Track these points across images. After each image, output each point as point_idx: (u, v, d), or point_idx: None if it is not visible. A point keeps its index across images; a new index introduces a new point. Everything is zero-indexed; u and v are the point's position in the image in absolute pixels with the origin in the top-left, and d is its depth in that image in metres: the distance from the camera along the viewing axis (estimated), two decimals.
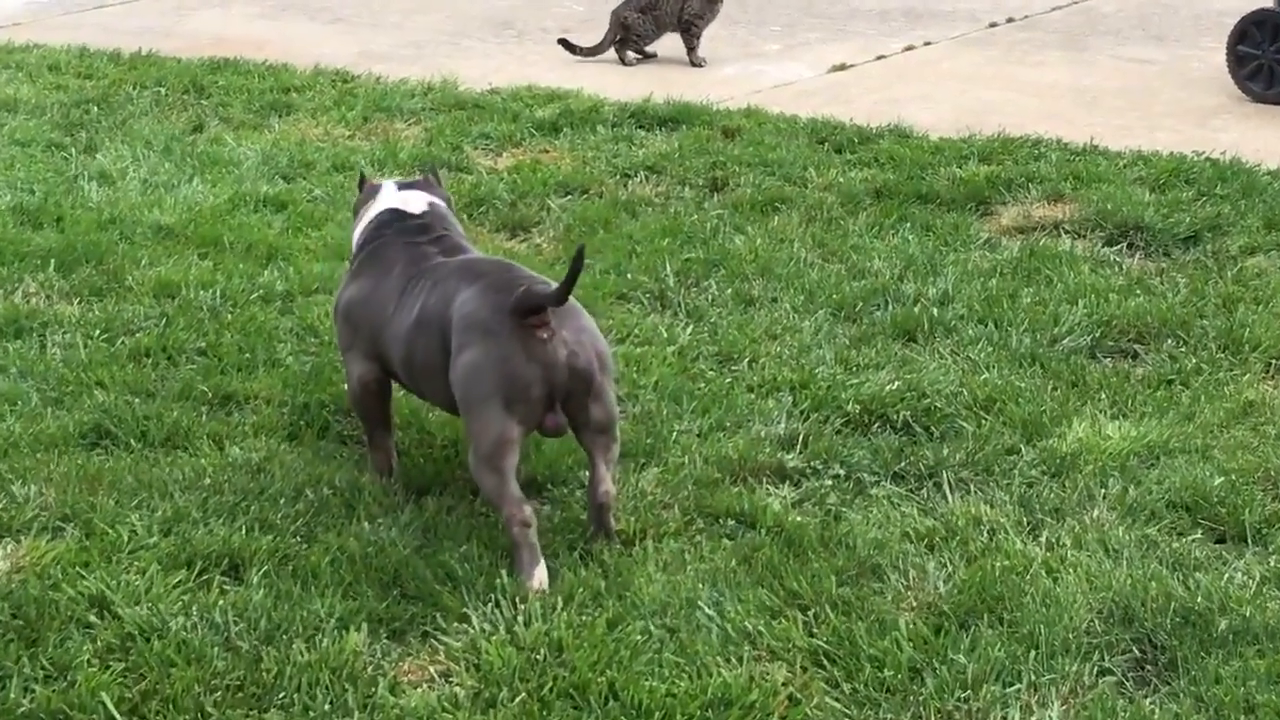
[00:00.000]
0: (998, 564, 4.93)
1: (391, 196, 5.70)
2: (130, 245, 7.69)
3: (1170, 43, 11.72)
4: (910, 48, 11.68)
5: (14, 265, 7.40)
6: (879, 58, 11.47)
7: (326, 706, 4.33)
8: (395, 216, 5.62)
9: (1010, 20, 12.39)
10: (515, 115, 9.91)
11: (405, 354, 5.29)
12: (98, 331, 6.66)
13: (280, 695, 4.37)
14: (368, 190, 5.82)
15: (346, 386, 5.67)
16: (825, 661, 4.51)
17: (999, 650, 4.51)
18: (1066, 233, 7.90)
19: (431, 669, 4.53)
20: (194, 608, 4.71)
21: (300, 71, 11.16)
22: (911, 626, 4.63)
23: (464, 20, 13.06)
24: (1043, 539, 5.12)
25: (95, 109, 10.23)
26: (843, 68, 11.24)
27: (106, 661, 4.48)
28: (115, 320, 6.78)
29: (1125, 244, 7.74)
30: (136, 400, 6.03)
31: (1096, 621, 4.67)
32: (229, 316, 6.82)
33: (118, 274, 7.31)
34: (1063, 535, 5.13)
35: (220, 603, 4.74)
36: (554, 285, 5.05)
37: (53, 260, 7.41)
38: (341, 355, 5.68)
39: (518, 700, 4.34)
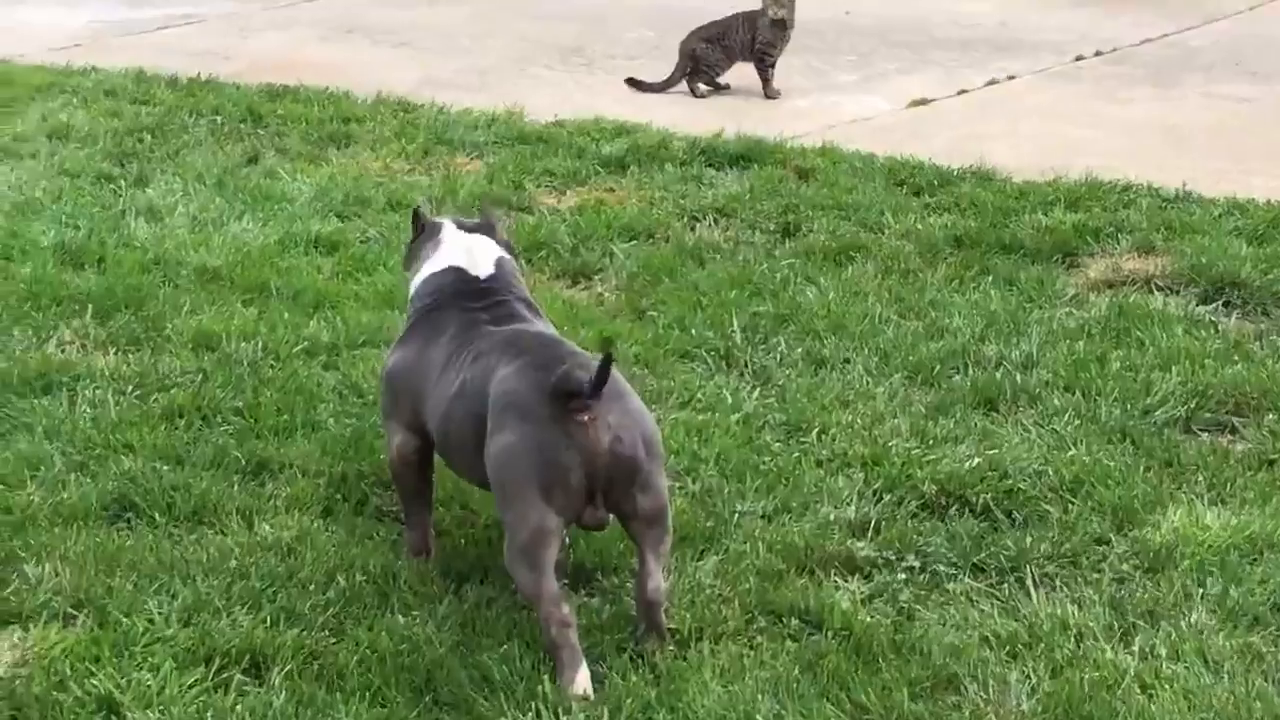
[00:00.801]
0: (1086, 676, 4.51)
1: (456, 250, 5.32)
2: (173, 290, 7.34)
3: (1265, 79, 11.24)
4: (993, 81, 11.24)
5: (51, 310, 7.06)
6: (960, 92, 11.04)
7: None
8: (458, 278, 5.25)
9: (1098, 54, 11.93)
10: (581, 151, 9.52)
11: (442, 428, 4.93)
12: (130, 387, 6.31)
13: None
14: (428, 231, 5.44)
15: (386, 457, 5.29)
16: None
17: None
18: (1158, 288, 7.45)
19: None
20: (209, 713, 4.34)
21: (361, 100, 10.80)
22: None
23: (532, 46, 12.68)
24: (1135, 647, 4.69)
25: (149, 137, 9.89)
26: (922, 102, 10.81)
27: None
28: (150, 375, 6.42)
29: (1221, 302, 7.29)
30: (165, 468, 5.67)
31: None
32: (269, 372, 6.45)
33: (157, 322, 6.95)
34: (1157, 643, 4.70)
35: (238, 707, 4.37)
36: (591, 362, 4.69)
37: (90, 305, 7.06)
38: (382, 423, 5.33)
39: None
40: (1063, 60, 11.79)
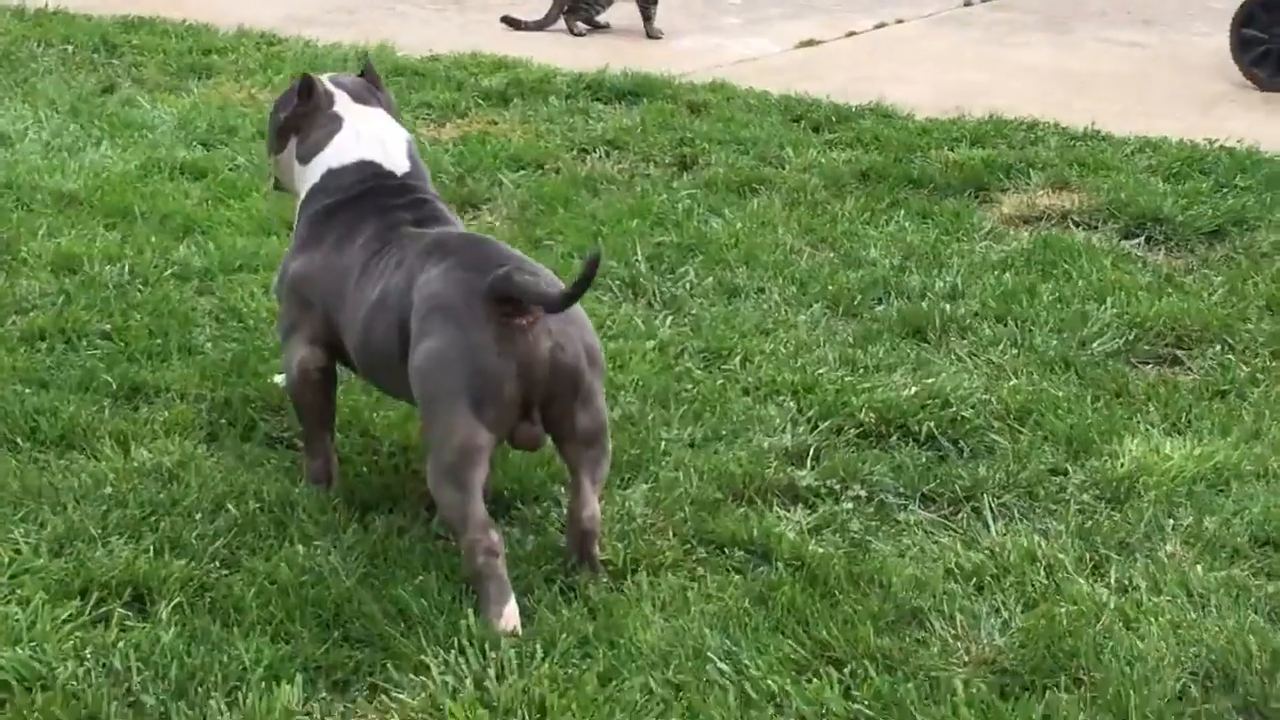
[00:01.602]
0: (1063, 610, 4.09)
1: (365, 139, 4.71)
2: (28, 214, 6.75)
3: (1160, 26, 10.94)
4: (882, 25, 10.87)
5: None
6: (849, 34, 10.65)
7: None
8: (372, 174, 4.67)
9: (985, 0, 11.59)
10: (459, 84, 9.01)
11: (362, 340, 4.39)
12: None
13: None
14: (316, 104, 4.79)
15: (283, 375, 4.76)
16: None
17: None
18: (1077, 224, 7.08)
19: None
20: (88, 650, 3.81)
21: (222, 33, 10.20)
22: (970, 689, 3.78)
23: None
24: (1111, 579, 4.28)
25: None
26: (811, 43, 10.41)
27: None
28: (6, 297, 5.86)
29: (1144, 237, 6.93)
30: (27, 391, 5.11)
31: (1192, 686, 3.83)
32: (138, 295, 5.90)
33: (11, 245, 6.37)
34: (1134, 575, 4.29)
35: (121, 644, 3.84)
36: (545, 276, 4.20)
37: None
38: (281, 338, 4.75)
39: None
40: (951, 5, 11.43)
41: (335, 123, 4.74)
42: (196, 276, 6.13)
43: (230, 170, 7.46)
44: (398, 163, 4.70)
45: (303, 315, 4.60)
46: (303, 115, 4.77)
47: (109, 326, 5.61)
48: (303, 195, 4.74)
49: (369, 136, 4.71)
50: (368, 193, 4.61)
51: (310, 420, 4.64)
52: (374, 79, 4.95)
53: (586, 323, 4.25)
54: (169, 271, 6.13)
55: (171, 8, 10.75)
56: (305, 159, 4.75)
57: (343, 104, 4.78)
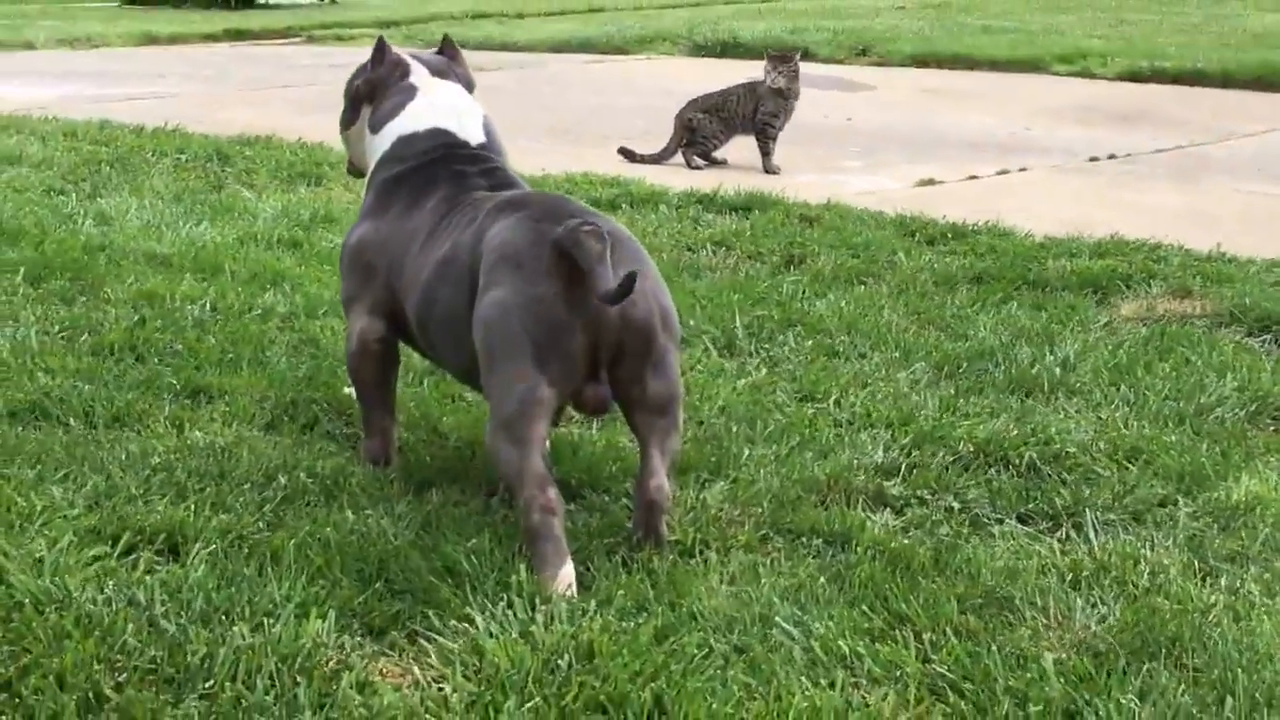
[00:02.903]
0: (1166, 604, 3.75)
1: (439, 109, 4.56)
2: (116, 268, 6.60)
3: None
4: (1004, 171, 10.62)
5: None
6: (970, 178, 10.41)
7: (267, 699, 3.16)
8: (445, 142, 4.51)
9: (1112, 156, 11.33)
10: (567, 193, 8.84)
11: (426, 299, 4.17)
12: (56, 328, 5.57)
13: (206, 683, 3.20)
14: (391, 72, 4.65)
15: (346, 348, 4.53)
16: (949, 692, 3.33)
17: (1183, 695, 3.32)
18: (1199, 326, 6.75)
19: (417, 671, 3.36)
20: (110, 582, 3.56)
21: (338, 151, 10.12)
22: (1062, 662, 3.45)
23: (521, 127, 12.04)
24: (1222, 584, 3.94)
25: (108, 168, 9.20)
26: (931, 183, 10.18)
27: None
28: (81, 320, 5.69)
29: (1270, 338, 6.59)
30: (87, 386, 4.91)
31: None
32: (215, 325, 5.71)
33: (95, 287, 6.22)
34: (1248, 582, 3.94)
35: (146, 580, 3.58)
36: (623, 241, 3.97)
37: (22, 269, 6.33)
38: (344, 309, 4.54)
39: (529, 708, 3.16)
40: (1076, 160, 11.19)
41: (409, 93, 4.59)
42: (279, 318, 5.93)
43: (327, 245, 7.30)
44: (472, 134, 4.54)
45: (364, 284, 4.40)
46: (377, 82, 4.61)
47: (180, 346, 5.42)
48: (372, 166, 4.56)
49: (444, 107, 4.55)
50: (440, 159, 4.44)
51: (368, 394, 4.41)
52: (454, 53, 4.79)
53: (662, 283, 4.02)
54: (252, 313, 5.94)
55: (289, 130, 10.72)
56: (377, 127, 4.59)
57: (419, 75, 4.63)
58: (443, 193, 4.32)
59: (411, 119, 4.52)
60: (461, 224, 4.15)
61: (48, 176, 8.83)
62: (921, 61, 17.18)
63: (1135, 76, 15.77)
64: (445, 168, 4.40)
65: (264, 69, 16.25)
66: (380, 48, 4.67)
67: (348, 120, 4.78)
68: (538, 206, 4.04)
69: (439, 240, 4.18)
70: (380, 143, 4.56)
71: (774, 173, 10.34)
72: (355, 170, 4.90)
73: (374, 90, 4.62)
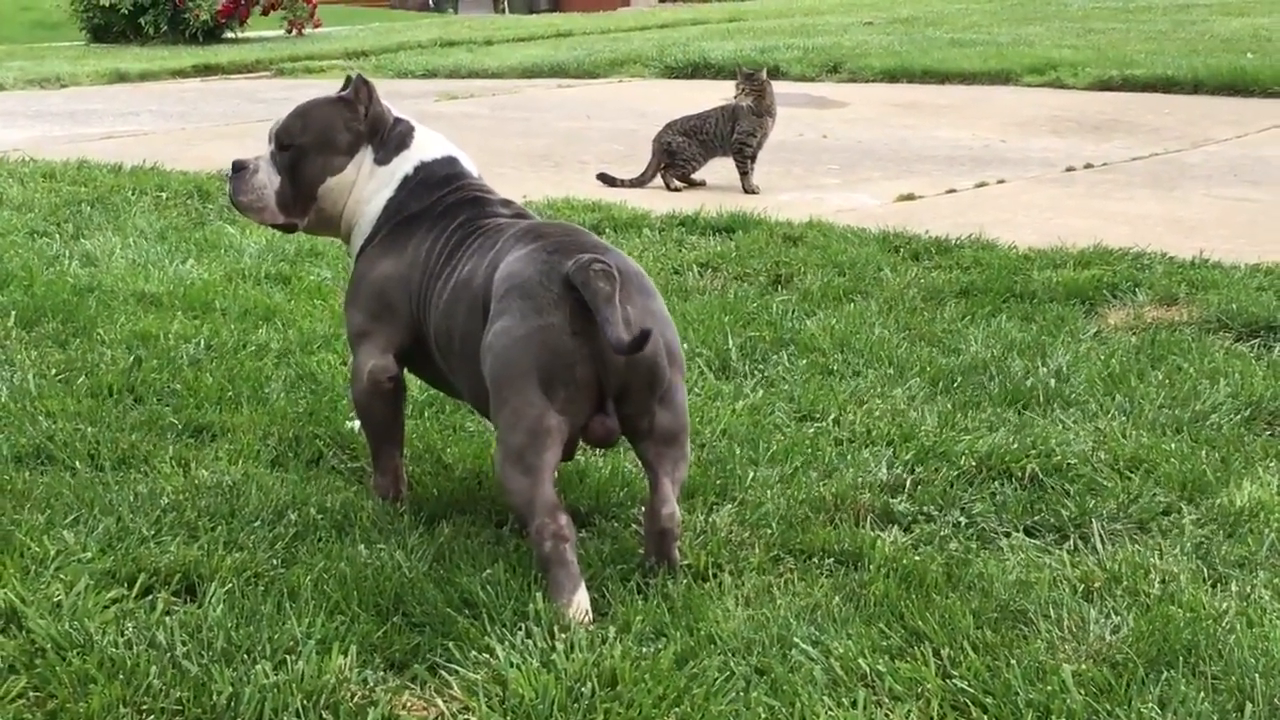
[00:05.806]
0: (1180, 613, 3.77)
1: (438, 139, 4.58)
2: (107, 309, 6.60)
3: (1269, 185, 10.68)
4: (983, 184, 10.66)
5: None
6: (949, 191, 10.45)
7: None
8: (461, 174, 4.54)
9: (1088, 166, 11.39)
10: (550, 217, 8.85)
11: (444, 323, 4.20)
12: (54, 371, 5.57)
13: None
14: (375, 112, 4.58)
15: (351, 385, 4.52)
16: (971, 707, 3.35)
17: (1203, 703, 3.35)
18: (1188, 333, 6.78)
19: (441, 703, 3.37)
20: (129, 624, 3.57)
21: None
22: (1080, 674, 3.47)
23: (499, 155, 12.08)
24: (1233, 590, 3.96)
25: (89, 208, 9.19)
26: (910, 198, 10.21)
27: (4, 680, 3.33)
28: (77, 362, 5.69)
29: (1259, 342, 6.62)
30: (90, 429, 4.92)
31: None
32: (212, 364, 5.72)
33: (88, 328, 6.22)
34: (1258, 588, 3.97)
35: (166, 620, 3.59)
36: (631, 275, 3.98)
37: (14, 313, 6.33)
38: (352, 344, 4.52)
39: None
40: (1053, 171, 11.24)
41: (407, 124, 4.59)
42: (274, 354, 5.94)
43: (315, 280, 7.31)
44: (472, 168, 4.55)
45: (380, 321, 4.40)
46: (377, 118, 4.57)
47: (179, 385, 5.42)
48: (380, 198, 4.52)
49: (441, 139, 4.57)
50: (460, 188, 4.45)
51: (378, 433, 4.42)
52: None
53: (668, 319, 4.03)
54: (247, 350, 5.95)
55: None
56: (386, 159, 4.54)
57: (410, 124, 4.63)
58: (464, 215, 4.35)
59: (429, 145, 4.54)
60: (485, 248, 4.18)
61: (30, 219, 8.81)
62: (892, 76, 17.26)
63: (1106, 85, 15.85)
64: (468, 193, 4.44)
65: (236, 103, 16.25)
66: (364, 82, 4.63)
67: (335, 167, 4.57)
68: (553, 239, 4.06)
69: (463, 262, 4.21)
70: (393, 172, 4.53)
71: (754, 192, 10.36)
72: (314, 228, 4.69)
73: (376, 126, 4.58)
